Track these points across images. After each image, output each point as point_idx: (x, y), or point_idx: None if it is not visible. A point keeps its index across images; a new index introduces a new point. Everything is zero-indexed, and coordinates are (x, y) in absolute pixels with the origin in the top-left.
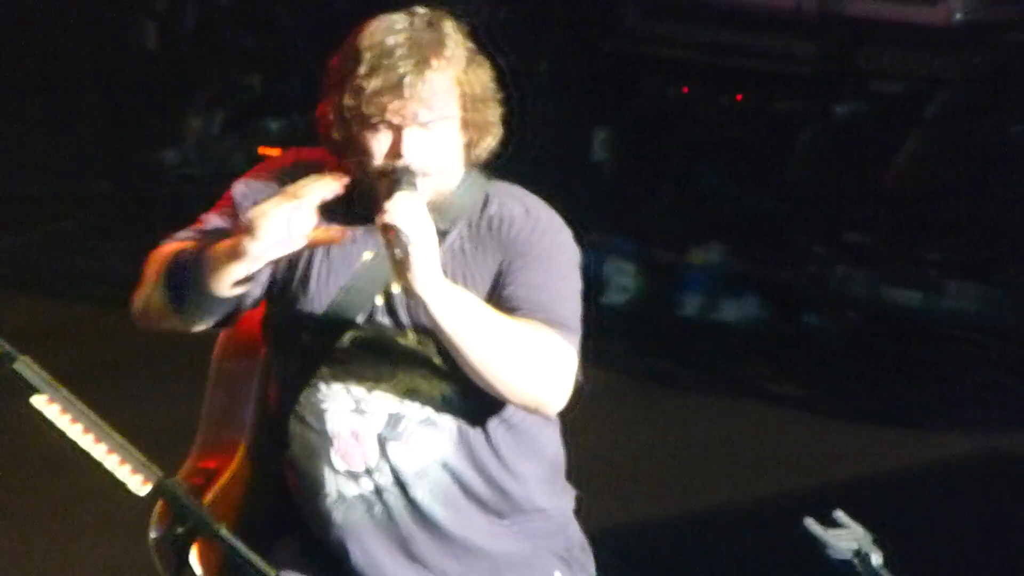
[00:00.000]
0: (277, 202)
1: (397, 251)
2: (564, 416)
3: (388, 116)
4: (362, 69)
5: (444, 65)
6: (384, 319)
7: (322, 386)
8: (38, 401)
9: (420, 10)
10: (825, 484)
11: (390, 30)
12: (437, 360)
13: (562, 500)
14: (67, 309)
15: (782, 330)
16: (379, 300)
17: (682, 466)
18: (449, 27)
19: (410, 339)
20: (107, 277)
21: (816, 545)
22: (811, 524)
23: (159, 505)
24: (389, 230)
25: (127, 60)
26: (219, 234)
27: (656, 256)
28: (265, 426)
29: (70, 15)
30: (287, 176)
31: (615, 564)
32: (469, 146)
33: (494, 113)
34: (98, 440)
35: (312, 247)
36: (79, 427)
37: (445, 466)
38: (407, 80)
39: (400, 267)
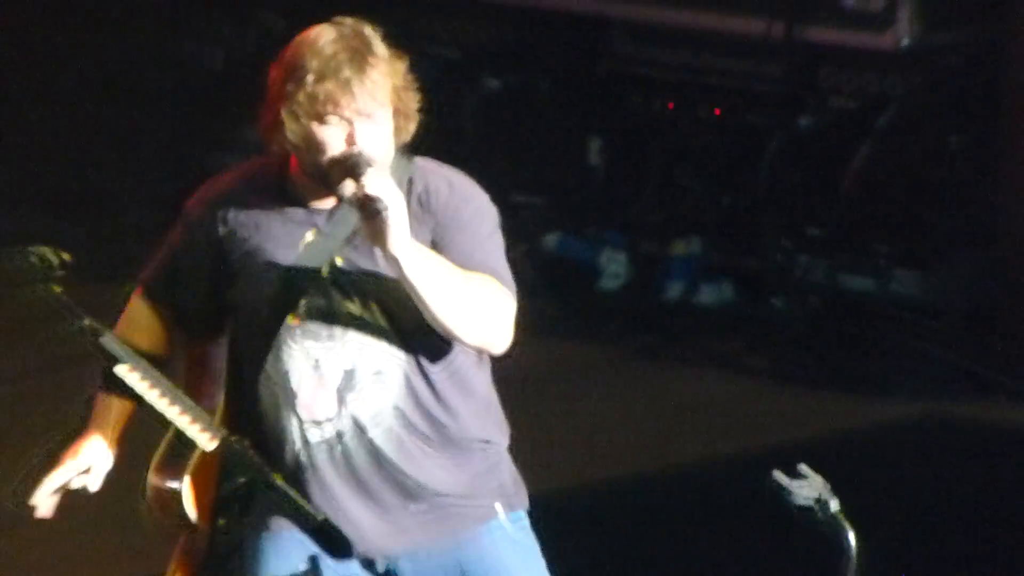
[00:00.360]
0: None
1: (378, 219)
2: (498, 360)
3: (341, 112)
4: (311, 76)
5: (377, 63)
6: (332, 289)
7: (284, 350)
8: (120, 370)
9: (347, 20)
10: (787, 441)
11: (327, 42)
12: (382, 321)
13: (496, 435)
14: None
15: (752, 311)
16: (325, 272)
17: (665, 427)
18: (370, 32)
19: (357, 304)
20: None
21: (782, 493)
22: (778, 475)
23: (156, 458)
24: (368, 200)
25: (198, 79)
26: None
27: (644, 247)
28: (236, 392)
29: (154, 45)
30: (237, 186)
31: (608, 507)
32: (398, 131)
33: (414, 100)
34: (172, 403)
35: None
36: (156, 392)
37: (395, 409)
38: (354, 80)
39: (377, 232)
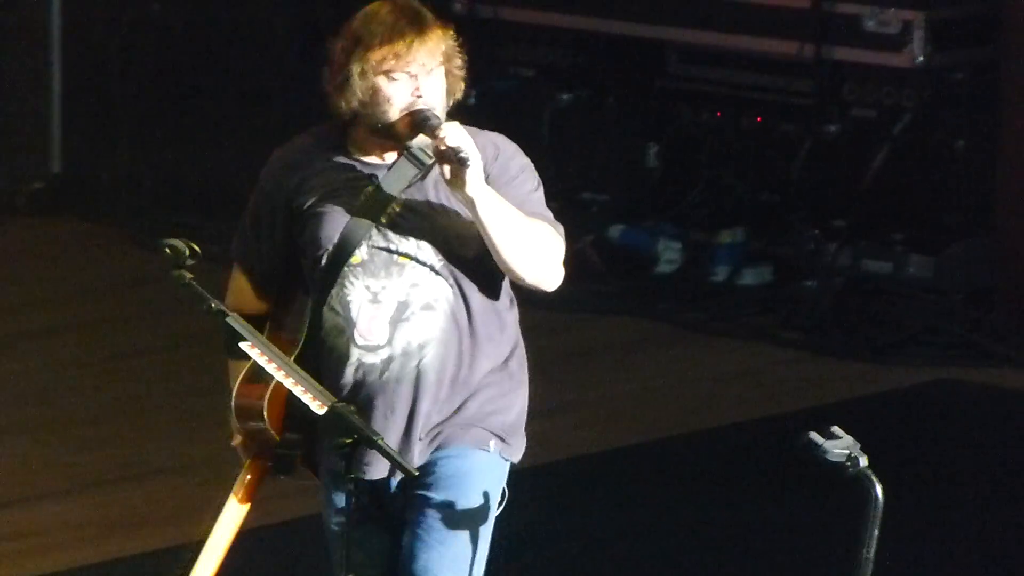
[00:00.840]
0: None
1: (460, 165)
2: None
3: (406, 67)
4: (378, 39)
5: (432, 28)
6: (391, 232)
7: (347, 284)
8: (244, 346)
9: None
10: (817, 404)
11: (388, 12)
12: (434, 261)
13: (518, 372)
14: None
15: (787, 291)
16: (385, 218)
17: (711, 391)
18: (418, 4)
19: (412, 245)
20: None
21: (816, 451)
22: (813, 435)
23: (238, 382)
24: (452, 150)
25: (313, 96)
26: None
27: (695, 237)
28: (310, 323)
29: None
30: (304, 146)
31: (661, 462)
32: (449, 90)
33: (461, 66)
34: (287, 375)
35: None
36: (273, 365)
37: (439, 341)
38: (416, 40)
39: (458, 177)
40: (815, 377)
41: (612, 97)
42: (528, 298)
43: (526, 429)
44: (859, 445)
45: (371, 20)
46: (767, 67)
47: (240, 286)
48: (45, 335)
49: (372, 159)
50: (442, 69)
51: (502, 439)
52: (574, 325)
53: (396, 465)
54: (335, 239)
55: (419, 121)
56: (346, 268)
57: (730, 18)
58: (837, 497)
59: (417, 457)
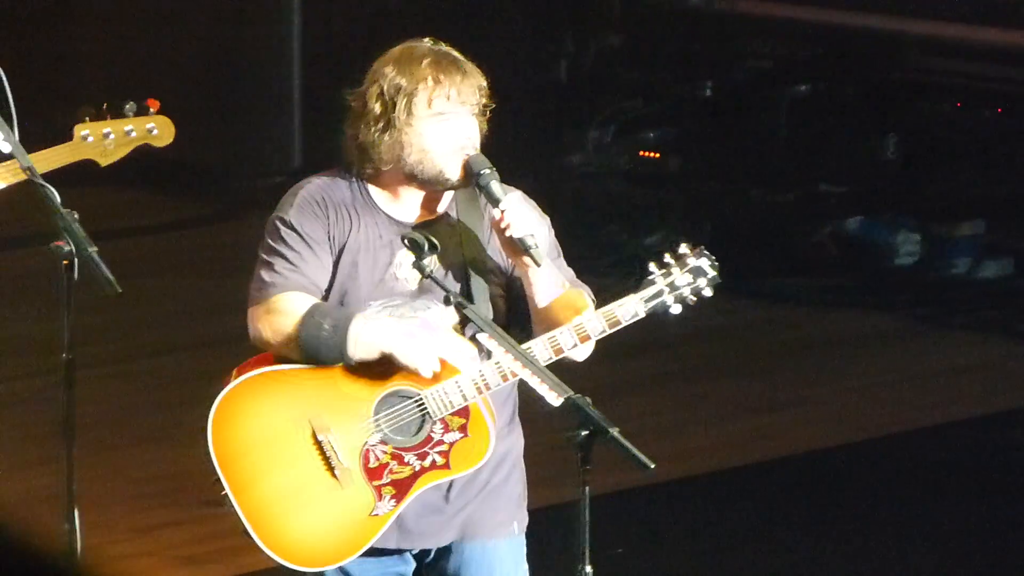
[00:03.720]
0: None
1: (526, 253)
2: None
3: (457, 107)
4: (424, 80)
5: (470, 65)
6: (417, 294)
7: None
8: (482, 337)
9: (424, 40)
10: None
11: (425, 52)
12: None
13: (522, 440)
14: None
15: None
16: (413, 282)
17: (949, 385)
18: (446, 46)
19: (436, 311)
20: None
21: None
22: None
23: None
24: (518, 240)
25: (546, 88)
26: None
27: (934, 229)
28: None
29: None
30: (336, 192)
31: (889, 456)
32: (481, 130)
33: (488, 106)
34: (524, 366)
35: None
36: (510, 356)
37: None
38: (464, 80)
39: (520, 256)
40: None
41: (850, 88)
42: (760, 291)
43: (754, 426)
44: None
45: (411, 61)
46: (1007, 58)
47: (298, 305)
48: None
49: (400, 216)
50: (478, 110)
51: (520, 511)
52: (809, 318)
53: (630, 458)
54: (359, 294)
55: (477, 179)
56: (386, 310)
57: (970, 9)
58: None
59: (448, 531)
